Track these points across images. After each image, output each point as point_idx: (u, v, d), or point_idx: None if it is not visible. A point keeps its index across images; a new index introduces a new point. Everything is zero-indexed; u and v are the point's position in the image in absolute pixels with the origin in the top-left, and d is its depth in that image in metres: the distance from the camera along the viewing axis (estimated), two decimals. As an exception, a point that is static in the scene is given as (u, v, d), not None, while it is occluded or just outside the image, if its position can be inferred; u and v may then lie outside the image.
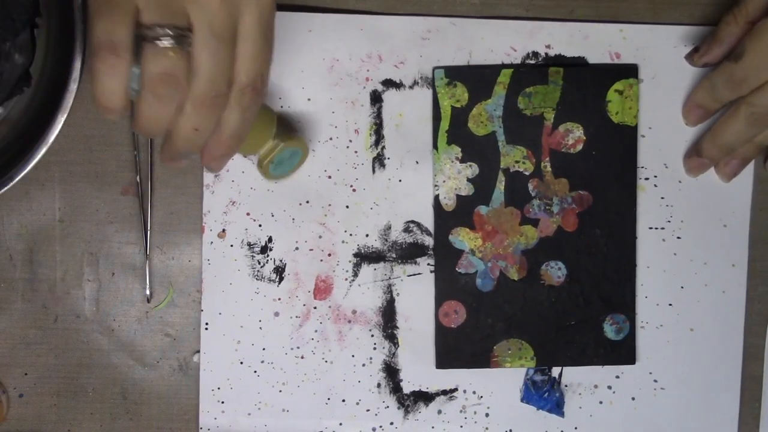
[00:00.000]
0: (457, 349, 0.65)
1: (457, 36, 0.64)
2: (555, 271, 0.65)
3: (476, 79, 0.64)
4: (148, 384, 0.65)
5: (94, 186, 0.64)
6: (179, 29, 0.48)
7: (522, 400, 0.65)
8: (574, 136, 0.64)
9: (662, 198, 0.65)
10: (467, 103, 0.64)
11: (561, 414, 0.65)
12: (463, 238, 0.65)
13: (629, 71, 0.64)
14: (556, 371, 0.65)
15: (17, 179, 0.60)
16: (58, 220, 0.64)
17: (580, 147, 0.64)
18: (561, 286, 0.65)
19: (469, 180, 0.64)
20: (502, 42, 0.64)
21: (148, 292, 0.65)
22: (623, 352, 0.65)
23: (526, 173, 0.64)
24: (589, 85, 0.64)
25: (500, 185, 0.64)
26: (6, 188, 0.60)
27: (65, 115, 0.59)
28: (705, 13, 0.64)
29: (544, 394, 0.65)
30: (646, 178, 0.64)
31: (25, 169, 0.60)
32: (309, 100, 0.64)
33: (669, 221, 0.65)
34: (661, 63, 0.64)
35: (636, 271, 0.65)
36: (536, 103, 0.64)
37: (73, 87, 0.59)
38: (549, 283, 0.65)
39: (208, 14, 0.48)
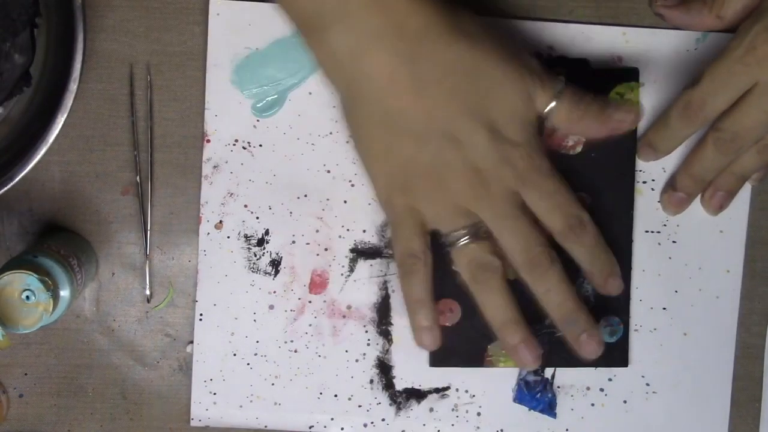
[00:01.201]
0: (451, 347, 0.64)
1: None
2: None
3: None
4: (148, 384, 0.65)
5: (94, 186, 0.64)
6: (471, 226, 0.57)
7: (514, 401, 0.65)
8: (573, 138, 0.63)
9: (659, 202, 0.64)
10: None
11: (553, 415, 0.65)
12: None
13: (630, 74, 0.63)
14: (549, 372, 0.65)
15: (17, 179, 0.59)
16: (58, 220, 0.64)
17: (579, 149, 0.63)
18: None
19: None
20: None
21: (148, 292, 0.64)
22: (616, 355, 0.65)
23: None
24: (590, 87, 0.63)
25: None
26: (6, 188, 0.59)
27: (65, 115, 0.59)
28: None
29: (537, 395, 0.65)
30: (644, 182, 0.64)
31: (25, 169, 0.59)
32: (310, 93, 0.64)
33: (665, 225, 0.64)
34: (662, 67, 0.64)
35: (631, 274, 0.65)
36: None
37: (73, 87, 0.59)
38: None
39: (490, 206, 0.57)
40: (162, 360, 0.65)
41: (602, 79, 0.63)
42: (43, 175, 0.63)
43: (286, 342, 0.65)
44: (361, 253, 0.65)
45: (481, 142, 0.55)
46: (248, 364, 0.65)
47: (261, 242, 0.64)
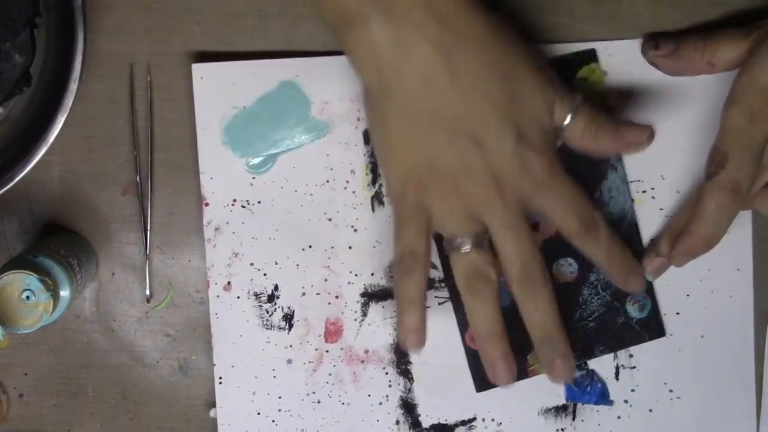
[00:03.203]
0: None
1: None
2: (566, 268, 0.63)
3: None
4: (148, 384, 0.64)
5: (94, 186, 0.63)
6: (476, 234, 0.57)
7: (567, 400, 0.64)
8: None
9: (661, 209, 0.63)
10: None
11: (609, 403, 0.64)
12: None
13: (589, 57, 0.62)
14: (592, 363, 0.64)
15: (17, 179, 0.59)
16: (58, 220, 0.63)
17: (559, 142, 0.62)
18: (576, 281, 0.63)
19: None
20: None
21: (147, 292, 0.64)
22: (652, 327, 0.63)
23: None
24: None
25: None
26: (6, 188, 0.59)
27: (65, 115, 0.58)
28: (705, 13, 0.62)
29: (587, 389, 0.64)
30: (644, 191, 0.63)
31: (25, 169, 0.59)
32: (301, 146, 0.63)
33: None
34: (649, 77, 0.62)
35: (642, 247, 0.63)
36: None
37: (73, 87, 0.58)
38: (564, 281, 0.63)
39: (502, 212, 0.56)
40: (162, 360, 0.64)
41: (562, 70, 0.62)
42: (43, 175, 0.63)
43: (308, 394, 0.64)
44: (372, 296, 0.64)
45: (508, 147, 0.55)
46: (273, 420, 0.64)
47: (271, 298, 0.64)
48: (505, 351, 0.58)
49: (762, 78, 0.56)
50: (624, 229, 0.63)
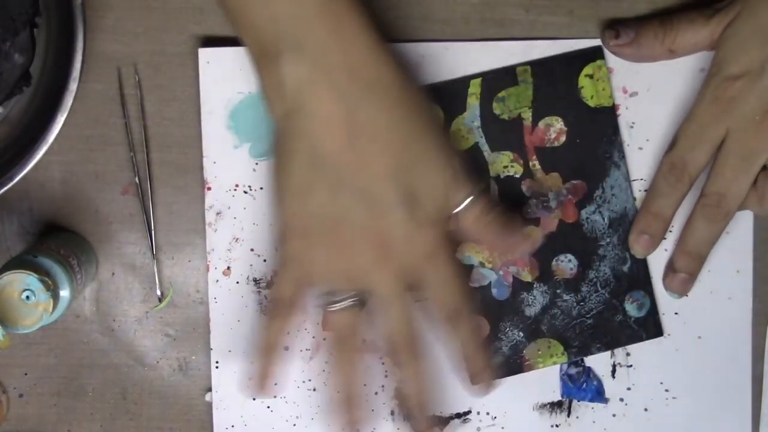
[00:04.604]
0: (489, 361, 0.63)
1: (450, 60, 0.62)
2: (566, 264, 0.63)
3: (447, 95, 0.62)
4: (148, 384, 0.64)
5: (94, 186, 0.63)
6: (359, 293, 0.57)
7: (562, 396, 0.64)
8: (555, 129, 0.62)
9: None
10: (444, 122, 0.62)
11: (604, 401, 0.64)
12: (469, 253, 0.63)
13: (594, 54, 0.62)
14: (589, 361, 0.64)
15: (17, 179, 0.58)
16: (58, 220, 0.63)
17: (563, 138, 0.63)
18: (575, 277, 0.63)
19: None
20: (495, 63, 0.62)
21: (159, 293, 0.63)
22: (650, 327, 0.63)
23: (517, 176, 0.63)
24: (558, 76, 0.62)
25: (494, 193, 0.63)
26: (6, 188, 0.58)
27: (65, 115, 0.58)
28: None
29: (583, 385, 0.64)
30: (646, 190, 0.63)
31: (25, 169, 0.58)
32: None
33: (671, 231, 0.63)
34: (654, 75, 0.62)
35: None
36: (511, 105, 0.62)
37: (73, 87, 0.58)
38: (563, 277, 0.63)
39: (381, 282, 0.56)
40: (162, 360, 0.64)
41: (568, 65, 0.62)
42: (43, 175, 0.62)
43: (304, 381, 0.64)
44: None
45: (397, 211, 0.54)
46: (268, 407, 0.64)
47: (270, 284, 0.63)
48: (355, 419, 0.58)
49: (730, 68, 0.57)
50: (625, 227, 0.63)
